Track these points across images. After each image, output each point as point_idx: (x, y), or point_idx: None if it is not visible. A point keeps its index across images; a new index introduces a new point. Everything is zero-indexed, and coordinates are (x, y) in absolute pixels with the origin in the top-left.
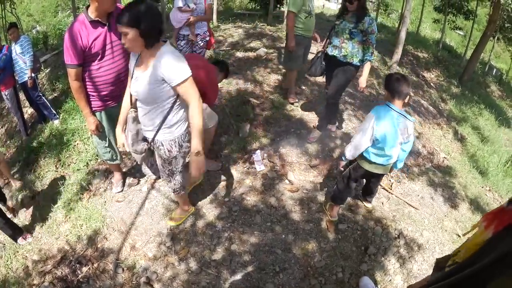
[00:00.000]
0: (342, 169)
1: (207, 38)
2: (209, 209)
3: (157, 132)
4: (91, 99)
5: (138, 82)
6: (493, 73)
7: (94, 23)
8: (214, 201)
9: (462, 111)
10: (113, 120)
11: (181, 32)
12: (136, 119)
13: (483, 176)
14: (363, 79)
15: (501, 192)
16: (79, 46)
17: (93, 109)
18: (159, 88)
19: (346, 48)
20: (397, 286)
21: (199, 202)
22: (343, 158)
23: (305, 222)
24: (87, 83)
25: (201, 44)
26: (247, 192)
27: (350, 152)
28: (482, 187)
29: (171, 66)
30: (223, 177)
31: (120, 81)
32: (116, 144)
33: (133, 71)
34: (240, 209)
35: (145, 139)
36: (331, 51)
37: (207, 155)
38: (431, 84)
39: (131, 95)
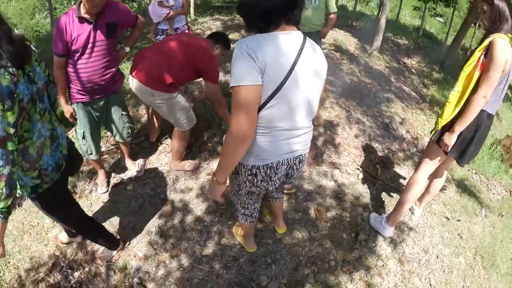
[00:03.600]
0: None
1: (186, 32)
2: (196, 204)
3: None
4: (71, 90)
5: None
6: None
7: (81, 20)
8: (201, 196)
9: (445, 96)
10: (90, 114)
11: (160, 26)
12: None
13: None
14: None
15: (487, 175)
16: (63, 39)
17: (72, 99)
18: None
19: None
20: (390, 270)
21: (186, 198)
22: None
23: (293, 212)
24: (68, 74)
25: None
26: None
27: None
28: (468, 170)
29: None
30: (208, 171)
31: (95, 80)
32: (92, 140)
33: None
34: (226, 202)
35: None
36: None
37: (184, 157)
38: (412, 70)
39: None
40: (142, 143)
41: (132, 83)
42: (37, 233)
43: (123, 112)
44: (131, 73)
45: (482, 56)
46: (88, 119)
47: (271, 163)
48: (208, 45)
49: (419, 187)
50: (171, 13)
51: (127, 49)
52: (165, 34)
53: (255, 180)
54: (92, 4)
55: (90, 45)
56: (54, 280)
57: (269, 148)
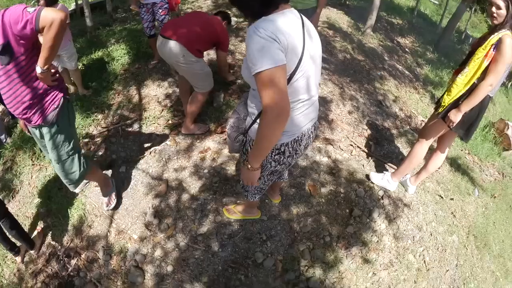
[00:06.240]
0: None
1: (166, 6)
2: (189, 183)
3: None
4: None
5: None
6: (470, 42)
7: None
8: (194, 174)
9: (439, 76)
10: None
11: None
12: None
13: (462, 140)
14: None
15: (480, 156)
16: None
17: None
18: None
19: None
20: (385, 246)
21: (179, 176)
22: None
23: (287, 187)
24: None
25: (160, 12)
26: (226, 162)
27: None
28: (461, 150)
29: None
30: (200, 149)
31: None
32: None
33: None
34: (220, 180)
35: None
36: None
37: (194, 120)
38: (406, 49)
39: None
40: (134, 123)
41: (166, 43)
42: (32, 225)
43: (52, 156)
44: (163, 34)
45: (492, 50)
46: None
47: (297, 136)
48: (221, 20)
49: (422, 155)
50: None
51: (38, 69)
52: (144, 6)
53: (282, 158)
54: None
55: None
56: (51, 270)
57: (296, 122)
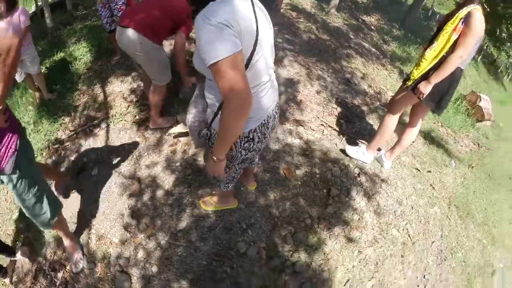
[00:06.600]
0: None
1: (123, 1)
2: (163, 178)
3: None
4: None
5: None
6: (437, 18)
7: None
8: (167, 169)
9: (406, 52)
10: None
11: None
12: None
13: (435, 113)
14: None
15: (453, 128)
16: None
17: None
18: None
19: None
20: (367, 223)
21: (152, 173)
22: None
23: (262, 172)
24: None
25: (118, 8)
26: (197, 153)
27: None
28: (434, 123)
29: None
30: (170, 142)
31: None
32: None
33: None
34: (193, 172)
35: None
36: None
37: (161, 113)
38: (372, 27)
39: None
40: (101, 123)
41: (123, 32)
42: (14, 242)
43: (20, 202)
44: (120, 24)
45: (461, 24)
46: None
47: (264, 120)
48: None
49: (393, 126)
50: None
51: None
52: (100, 1)
53: (252, 144)
54: None
55: None
56: (40, 287)
57: (261, 105)
